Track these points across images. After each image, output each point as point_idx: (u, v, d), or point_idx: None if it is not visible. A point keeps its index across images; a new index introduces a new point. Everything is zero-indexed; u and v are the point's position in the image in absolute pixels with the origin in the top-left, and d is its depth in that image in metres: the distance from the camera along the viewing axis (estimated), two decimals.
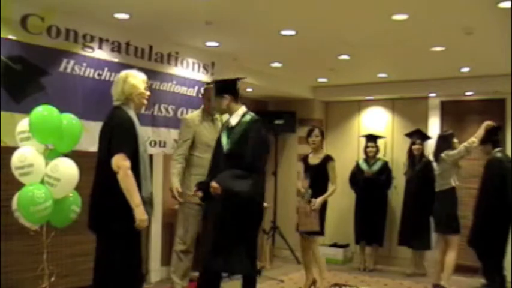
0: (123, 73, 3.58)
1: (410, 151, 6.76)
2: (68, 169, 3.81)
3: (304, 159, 5.88)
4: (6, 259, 4.25)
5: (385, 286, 6.26)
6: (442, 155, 5.79)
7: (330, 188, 5.58)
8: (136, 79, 3.54)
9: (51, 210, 3.73)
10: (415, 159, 6.69)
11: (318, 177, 5.58)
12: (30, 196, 3.64)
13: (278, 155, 8.00)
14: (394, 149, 7.24)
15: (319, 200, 5.45)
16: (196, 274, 5.17)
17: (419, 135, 6.77)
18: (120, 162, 3.29)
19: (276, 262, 7.31)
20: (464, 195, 6.16)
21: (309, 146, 5.81)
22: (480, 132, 5.70)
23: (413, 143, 6.73)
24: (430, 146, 6.67)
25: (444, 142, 5.87)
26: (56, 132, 3.80)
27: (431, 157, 6.32)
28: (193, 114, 5.07)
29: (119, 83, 3.51)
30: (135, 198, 3.32)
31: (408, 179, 6.81)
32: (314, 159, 5.71)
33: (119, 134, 3.36)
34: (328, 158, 5.67)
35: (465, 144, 5.67)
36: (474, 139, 5.66)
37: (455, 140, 5.88)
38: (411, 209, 6.74)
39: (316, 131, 5.75)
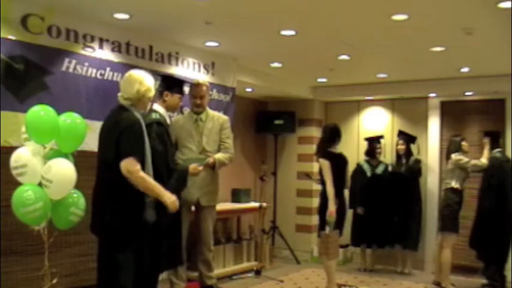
0: (138, 74, 3.51)
1: (397, 150, 7.01)
2: (61, 170, 3.73)
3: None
4: (7, 259, 4.24)
5: (385, 286, 6.26)
6: (452, 155, 5.95)
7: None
8: (151, 82, 3.52)
9: (43, 211, 3.68)
10: (402, 158, 6.90)
11: (322, 180, 5.32)
12: (20, 197, 3.63)
13: (278, 155, 8.00)
14: (394, 149, 7.22)
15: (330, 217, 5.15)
16: (195, 274, 5.18)
17: (402, 136, 6.97)
18: (131, 167, 3.26)
19: (276, 262, 7.30)
20: (465, 195, 6.16)
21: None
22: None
23: (396, 143, 6.99)
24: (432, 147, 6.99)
25: (454, 145, 6.05)
26: (53, 132, 3.76)
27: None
28: (181, 115, 5.01)
29: (135, 84, 3.43)
30: (158, 192, 3.40)
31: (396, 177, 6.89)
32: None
33: (129, 138, 3.31)
34: (318, 156, 5.38)
35: (477, 162, 5.89)
36: (485, 161, 5.94)
37: (463, 143, 6.06)
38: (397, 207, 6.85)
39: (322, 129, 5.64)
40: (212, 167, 4.80)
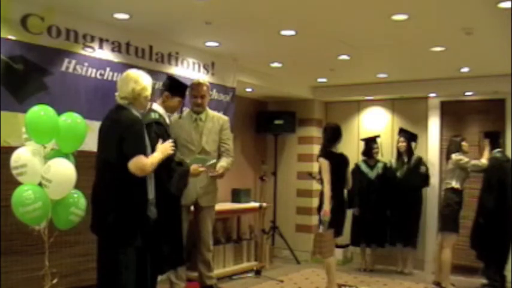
0: (134, 73, 3.51)
1: (398, 148, 7.02)
2: (60, 170, 3.71)
3: None
4: (6, 259, 4.24)
5: (385, 286, 6.26)
6: (452, 155, 5.96)
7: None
8: (148, 81, 3.52)
9: (42, 211, 3.68)
10: (403, 156, 6.91)
11: (321, 179, 5.27)
12: (20, 197, 3.62)
13: (278, 155, 8.00)
14: (394, 149, 7.22)
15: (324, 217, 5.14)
16: (195, 274, 5.18)
17: (403, 133, 6.97)
18: (141, 164, 3.26)
19: (276, 262, 7.30)
20: (465, 195, 6.17)
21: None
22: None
23: (397, 141, 6.99)
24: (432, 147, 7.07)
25: (454, 145, 6.05)
26: (53, 132, 3.75)
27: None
28: (181, 115, 4.99)
29: (130, 83, 3.43)
30: (160, 157, 3.49)
31: (402, 176, 6.87)
32: None
33: (131, 137, 3.30)
34: (318, 155, 5.37)
35: (477, 162, 5.91)
36: (485, 161, 5.95)
37: (463, 143, 6.07)
38: (402, 206, 6.84)
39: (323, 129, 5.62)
40: (220, 176, 4.83)
